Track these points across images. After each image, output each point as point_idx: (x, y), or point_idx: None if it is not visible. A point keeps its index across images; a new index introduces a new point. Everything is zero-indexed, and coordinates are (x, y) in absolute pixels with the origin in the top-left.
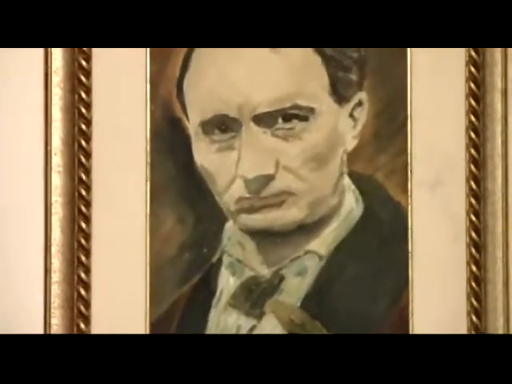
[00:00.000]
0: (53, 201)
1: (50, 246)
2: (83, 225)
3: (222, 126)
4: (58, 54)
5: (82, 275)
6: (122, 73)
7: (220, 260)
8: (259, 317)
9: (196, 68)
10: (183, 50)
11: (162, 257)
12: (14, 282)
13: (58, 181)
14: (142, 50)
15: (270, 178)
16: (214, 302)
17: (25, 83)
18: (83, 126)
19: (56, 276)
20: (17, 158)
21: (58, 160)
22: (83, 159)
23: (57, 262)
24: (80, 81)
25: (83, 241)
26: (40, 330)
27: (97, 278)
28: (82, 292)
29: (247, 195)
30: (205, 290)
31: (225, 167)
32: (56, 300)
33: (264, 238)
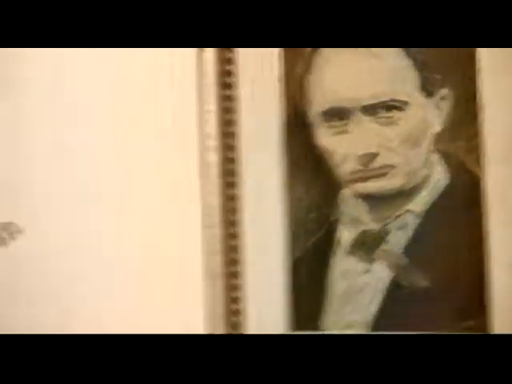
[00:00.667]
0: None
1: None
2: (235, 191)
3: (338, 115)
4: (210, 58)
5: (232, 231)
6: (259, 74)
7: (338, 219)
8: (371, 262)
9: (316, 69)
10: (307, 55)
11: (294, 217)
12: (173, 236)
13: (210, 159)
14: (276, 55)
15: (375, 155)
16: (334, 251)
17: (183, 84)
18: (232, 116)
19: (211, 231)
20: (175, 141)
21: (212, 142)
22: (233, 141)
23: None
24: (227, 80)
25: (232, 203)
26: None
27: (244, 232)
28: (231, 242)
29: (358, 168)
30: (327, 242)
31: (340, 147)
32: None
33: (373, 200)
